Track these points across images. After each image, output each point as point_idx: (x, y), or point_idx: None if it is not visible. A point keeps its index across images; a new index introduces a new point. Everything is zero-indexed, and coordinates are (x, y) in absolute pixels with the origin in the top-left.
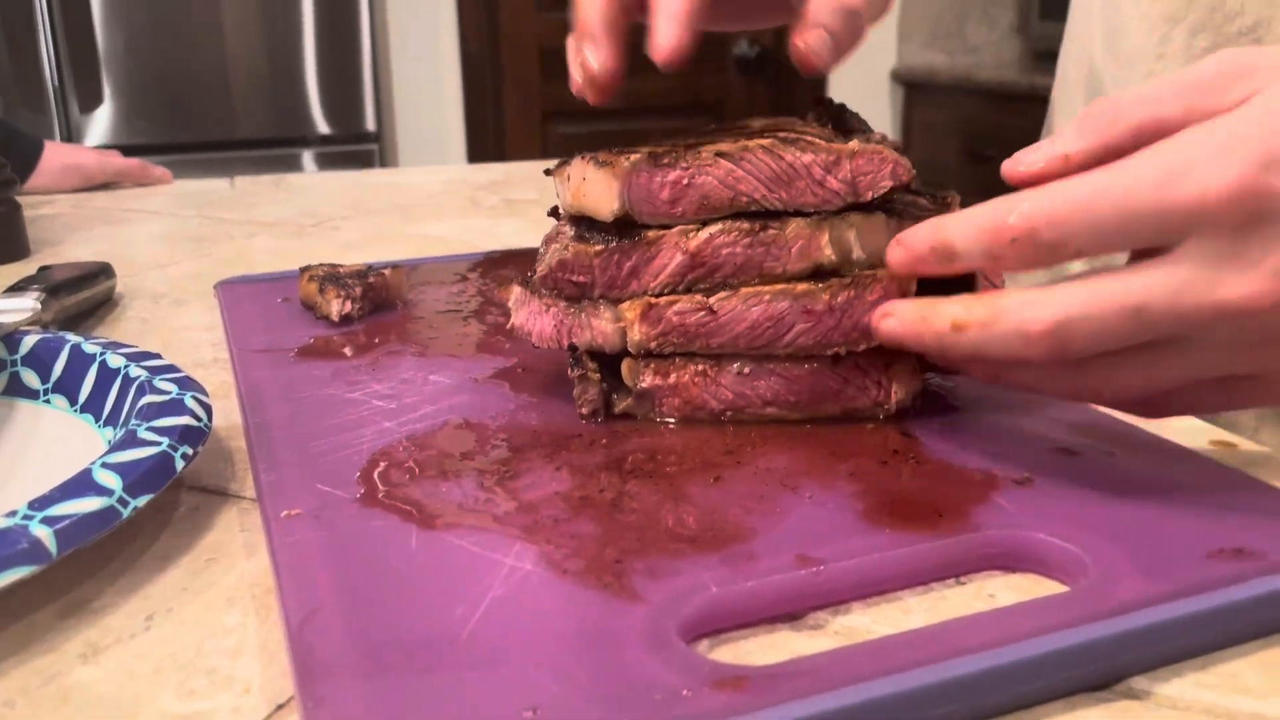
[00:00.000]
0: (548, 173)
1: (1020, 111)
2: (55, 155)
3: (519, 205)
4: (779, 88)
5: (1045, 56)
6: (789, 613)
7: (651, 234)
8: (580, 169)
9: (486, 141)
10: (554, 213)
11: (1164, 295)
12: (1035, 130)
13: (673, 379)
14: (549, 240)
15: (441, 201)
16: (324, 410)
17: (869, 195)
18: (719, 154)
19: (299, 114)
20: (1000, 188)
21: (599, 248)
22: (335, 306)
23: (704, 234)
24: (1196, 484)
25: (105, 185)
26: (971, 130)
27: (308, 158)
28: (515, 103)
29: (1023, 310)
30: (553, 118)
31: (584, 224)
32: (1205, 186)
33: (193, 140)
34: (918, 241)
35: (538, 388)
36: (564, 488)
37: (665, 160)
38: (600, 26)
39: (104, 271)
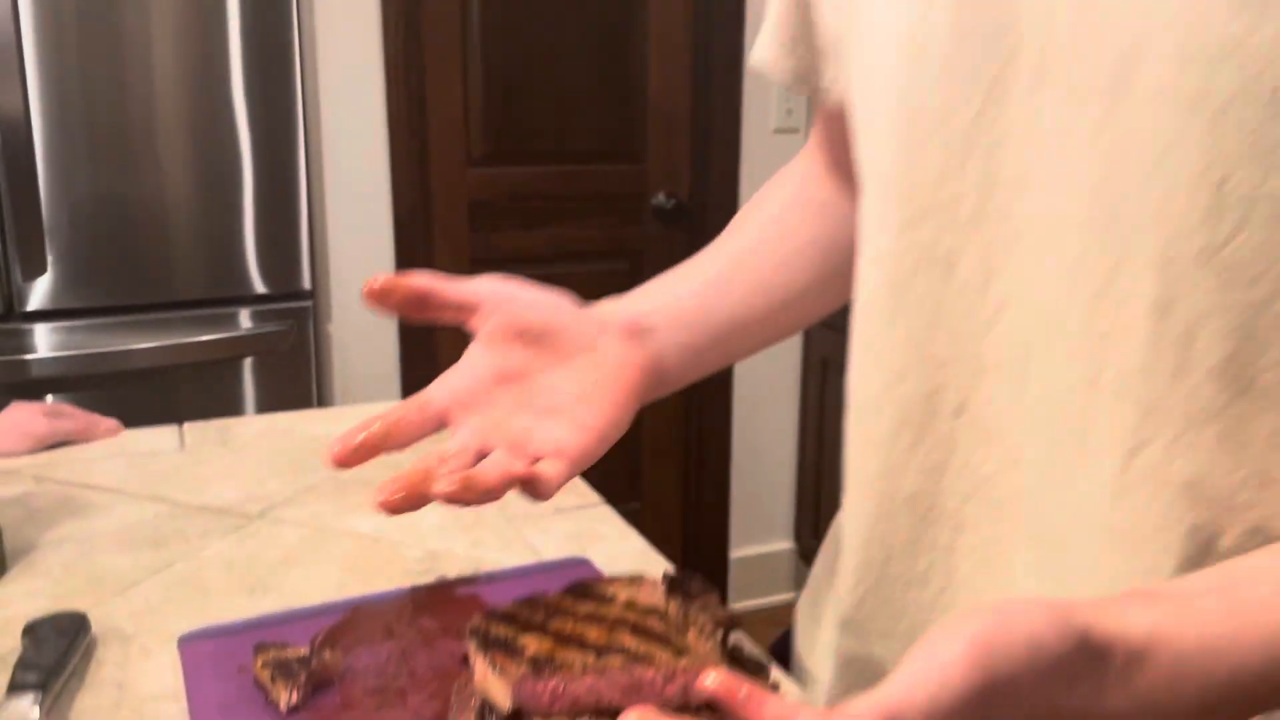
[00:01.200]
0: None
1: None
2: (11, 423)
3: None
4: (694, 234)
5: None
6: None
7: None
8: (482, 667)
9: None
10: (464, 660)
11: None
12: None
13: None
14: (459, 690)
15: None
16: None
17: (696, 701)
18: (586, 668)
19: (237, 275)
20: None
21: None
22: (284, 698)
23: None
24: None
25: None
26: None
27: (244, 315)
28: (446, 253)
29: None
30: (481, 264)
31: (486, 702)
32: None
33: (133, 303)
34: None
35: None
36: None
37: (546, 672)
38: None
39: (82, 628)
